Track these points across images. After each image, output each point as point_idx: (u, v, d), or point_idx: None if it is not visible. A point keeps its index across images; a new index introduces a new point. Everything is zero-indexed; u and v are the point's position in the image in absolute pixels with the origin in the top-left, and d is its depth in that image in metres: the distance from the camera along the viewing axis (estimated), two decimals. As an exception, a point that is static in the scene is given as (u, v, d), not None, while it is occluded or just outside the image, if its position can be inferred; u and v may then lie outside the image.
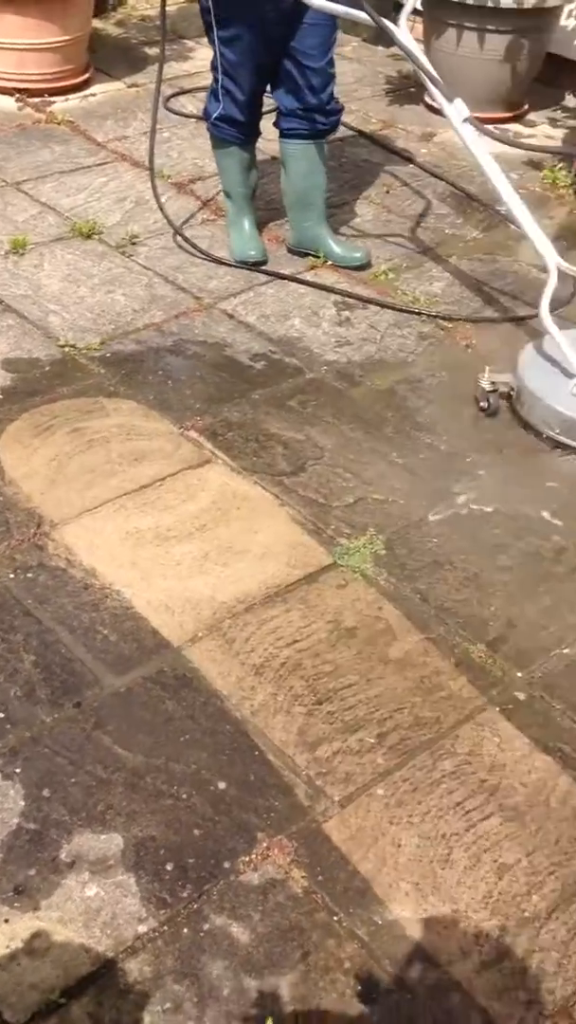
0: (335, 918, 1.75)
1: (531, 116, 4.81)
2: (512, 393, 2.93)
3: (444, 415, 2.94)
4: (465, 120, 2.96)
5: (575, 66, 4.31)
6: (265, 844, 1.85)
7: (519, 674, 2.21)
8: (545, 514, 2.62)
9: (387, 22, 2.94)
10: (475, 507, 2.62)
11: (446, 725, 2.09)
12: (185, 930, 1.72)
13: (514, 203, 2.97)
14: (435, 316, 3.34)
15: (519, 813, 1.93)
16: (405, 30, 3.02)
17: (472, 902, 1.78)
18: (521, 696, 2.16)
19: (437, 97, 3.01)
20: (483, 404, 2.91)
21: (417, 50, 3.01)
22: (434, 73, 2.98)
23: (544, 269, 2.99)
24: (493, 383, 2.91)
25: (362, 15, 2.91)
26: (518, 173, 4.25)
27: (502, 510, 2.62)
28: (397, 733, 2.07)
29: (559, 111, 4.93)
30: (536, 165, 4.32)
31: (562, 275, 2.97)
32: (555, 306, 3.47)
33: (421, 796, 1.95)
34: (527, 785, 1.98)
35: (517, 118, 4.75)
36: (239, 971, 1.67)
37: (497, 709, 2.13)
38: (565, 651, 2.26)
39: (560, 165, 4.25)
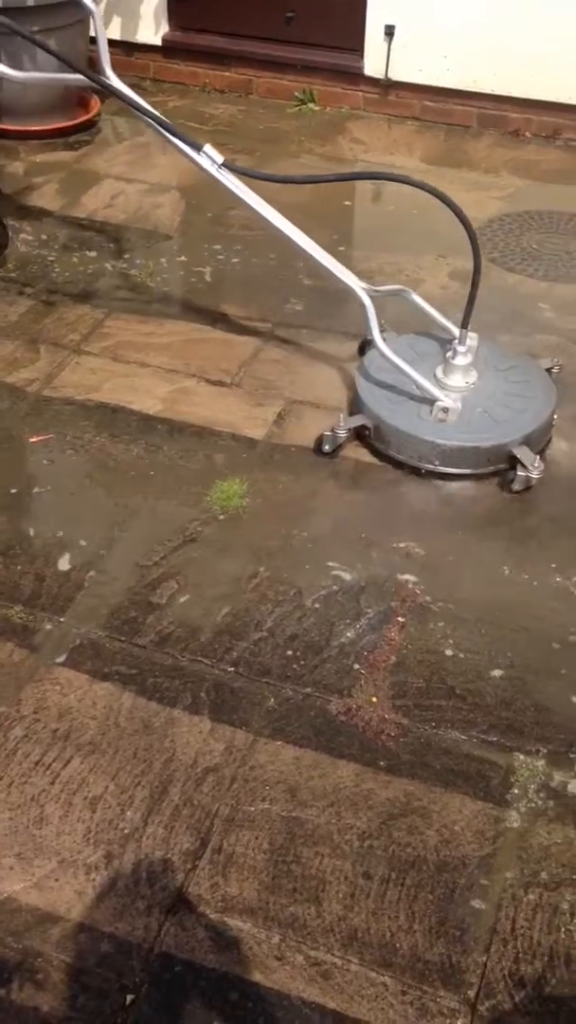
0: (-53, 927, 1.71)
1: None
2: (368, 432, 2.74)
3: None
4: (221, 166, 2.73)
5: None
6: None
7: (62, 619, 2.25)
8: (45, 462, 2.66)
9: (105, 80, 2.76)
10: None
11: (8, 695, 2.08)
12: None
13: (300, 239, 2.79)
14: None
15: (95, 745, 1.99)
16: (117, 80, 2.81)
17: (75, 845, 1.82)
18: (68, 638, 2.20)
19: (185, 150, 2.74)
20: (326, 447, 2.71)
21: (143, 102, 2.78)
22: (170, 123, 2.74)
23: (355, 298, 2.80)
24: (348, 429, 2.70)
25: (77, 77, 2.77)
26: None
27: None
28: (-39, 727, 2.03)
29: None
30: None
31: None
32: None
33: (0, 772, 1.94)
34: (96, 717, 2.04)
35: None
36: None
37: (51, 660, 2.16)
38: (93, 578, 2.33)
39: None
